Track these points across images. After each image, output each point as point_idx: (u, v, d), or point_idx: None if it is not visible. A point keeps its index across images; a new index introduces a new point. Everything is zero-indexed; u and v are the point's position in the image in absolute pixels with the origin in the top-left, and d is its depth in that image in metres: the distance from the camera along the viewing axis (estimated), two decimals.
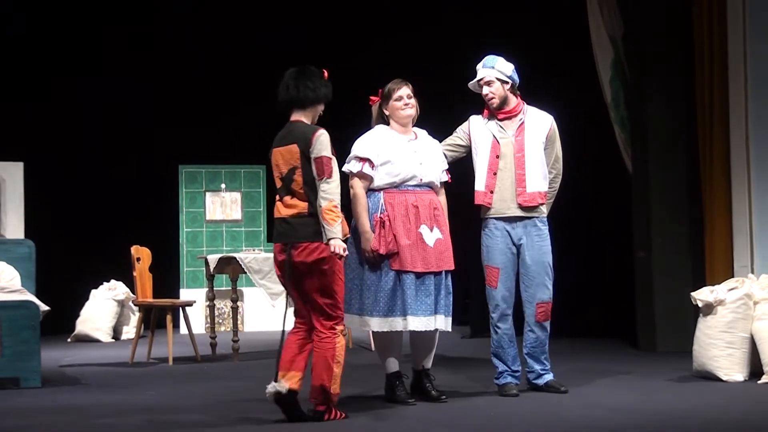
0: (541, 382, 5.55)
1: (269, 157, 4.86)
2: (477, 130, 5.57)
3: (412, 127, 5.44)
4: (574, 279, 8.80)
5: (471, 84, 5.56)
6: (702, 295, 5.99)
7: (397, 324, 5.13)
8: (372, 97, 5.42)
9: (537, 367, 5.55)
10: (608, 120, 8.12)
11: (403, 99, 5.33)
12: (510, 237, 5.46)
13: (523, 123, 5.53)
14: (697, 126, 7.55)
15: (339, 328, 4.75)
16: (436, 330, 5.25)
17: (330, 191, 4.60)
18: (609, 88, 8.02)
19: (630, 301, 8.05)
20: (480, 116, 5.61)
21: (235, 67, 10.71)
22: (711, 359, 5.90)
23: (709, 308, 5.95)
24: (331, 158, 4.67)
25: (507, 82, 5.53)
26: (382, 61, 8.46)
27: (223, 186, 10.66)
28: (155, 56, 10.61)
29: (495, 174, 5.45)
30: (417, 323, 5.12)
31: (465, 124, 5.64)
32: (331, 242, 4.57)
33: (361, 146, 5.31)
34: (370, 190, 5.27)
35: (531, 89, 8.14)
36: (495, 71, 5.51)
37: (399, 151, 5.28)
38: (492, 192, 5.44)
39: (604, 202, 8.82)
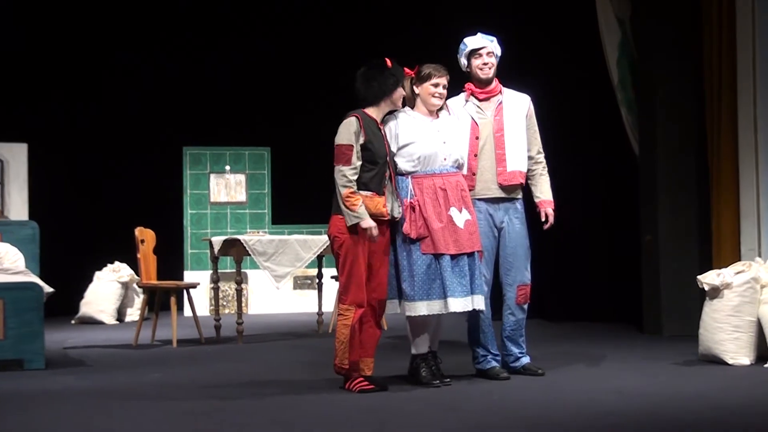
0: (518, 365, 5.61)
1: None
2: (456, 112, 5.57)
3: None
4: (579, 262, 8.85)
5: (466, 52, 5.56)
6: (708, 279, 5.98)
7: (436, 306, 5.18)
8: (407, 69, 5.39)
9: (515, 350, 5.61)
10: (615, 102, 8.10)
11: (439, 88, 5.35)
12: (492, 220, 5.53)
13: (501, 103, 5.59)
14: (706, 107, 7.53)
15: (344, 307, 5.11)
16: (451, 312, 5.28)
17: (338, 180, 5.02)
18: (616, 69, 8.01)
19: (636, 285, 8.05)
20: (455, 99, 5.62)
21: (240, 47, 10.70)
22: (717, 343, 5.90)
23: (715, 292, 5.95)
24: (345, 145, 5.02)
25: (497, 59, 5.61)
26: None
27: (227, 168, 10.70)
28: (159, 36, 10.59)
29: (476, 155, 5.50)
30: (457, 304, 5.17)
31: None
32: (361, 224, 5.01)
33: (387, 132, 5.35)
34: (398, 175, 5.31)
35: (535, 70, 8.18)
36: (494, 45, 5.59)
37: (422, 132, 5.32)
38: (474, 174, 5.49)
39: (610, 184, 8.81)
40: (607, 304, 8.71)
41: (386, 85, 5.14)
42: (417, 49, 6.43)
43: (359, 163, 5.05)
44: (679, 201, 7.69)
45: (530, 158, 5.66)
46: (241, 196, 10.82)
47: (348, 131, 5.05)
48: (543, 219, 5.64)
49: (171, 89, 10.60)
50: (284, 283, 7.80)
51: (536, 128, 5.69)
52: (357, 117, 5.10)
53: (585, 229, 8.84)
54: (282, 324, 9.17)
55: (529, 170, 5.65)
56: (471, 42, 5.59)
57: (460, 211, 5.27)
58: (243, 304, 8.72)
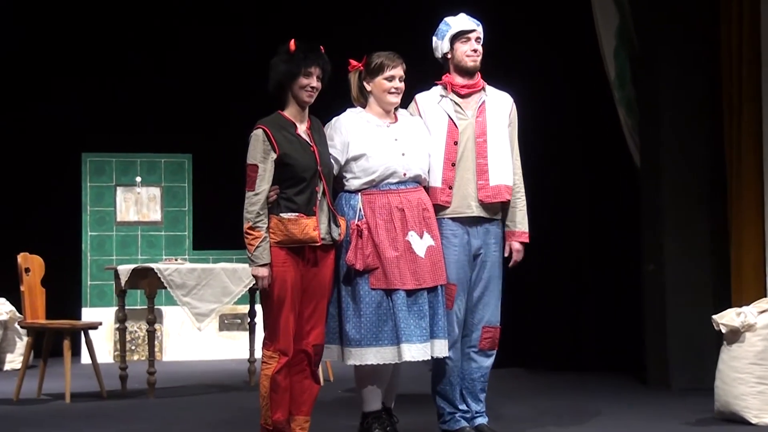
0: (471, 425, 5.57)
1: None
2: (428, 111, 5.55)
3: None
4: (568, 299, 8.85)
5: (450, 35, 5.53)
6: (726, 319, 6.01)
7: (388, 354, 5.15)
8: (352, 61, 5.38)
9: (473, 406, 5.57)
10: (611, 101, 8.14)
11: (395, 80, 5.33)
12: (470, 247, 5.50)
13: (484, 102, 5.58)
14: (722, 107, 7.58)
15: (268, 353, 5.17)
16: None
17: (246, 208, 5.05)
18: (613, 61, 8.07)
19: (637, 326, 8.06)
20: (427, 94, 5.60)
21: (156, 31, 10.68)
22: (737, 398, 5.92)
23: (735, 335, 5.97)
24: (249, 165, 5.07)
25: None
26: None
27: (138, 179, 10.64)
28: (55, 17, 10.49)
29: (454, 165, 5.47)
30: (413, 352, 5.13)
31: (411, 105, 5.60)
32: (251, 270, 5.09)
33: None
34: (346, 192, 5.32)
35: (513, 63, 8.17)
36: (481, 29, 5.59)
37: (377, 141, 5.29)
38: (451, 188, 5.46)
39: (604, 202, 8.84)
40: (602, 351, 8.71)
41: (277, 74, 5.14)
42: (372, 37, 6.39)
43: (266, 186, 5.05)
44: (689, 222, 7.72)
45: None
46: (155, 214, 10.77)
47: (253, 147, 5.08)
48: (507, 254, 5.62)
49: (67, 81, 10.50)
50: (208, 323, 7.77)
51: (516, 141, 5.67)
52: (263, 128, 5.09)
53: (573, 258, 8.86)
54: (204, 374, 9.13)
55: None
56: (457, 23, 5.57)
57: (421, 236, 5.25)
58: (156, 349, 8.69)
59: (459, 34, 5.55)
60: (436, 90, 5.60)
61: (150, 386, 7.53)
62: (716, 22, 7.62)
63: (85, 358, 9.45)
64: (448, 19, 5.60)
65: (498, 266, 5.57)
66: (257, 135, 5.07)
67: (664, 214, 7.73)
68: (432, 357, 5.21)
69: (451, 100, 5.55)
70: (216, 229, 10.62)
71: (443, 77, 5.60)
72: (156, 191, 10.76)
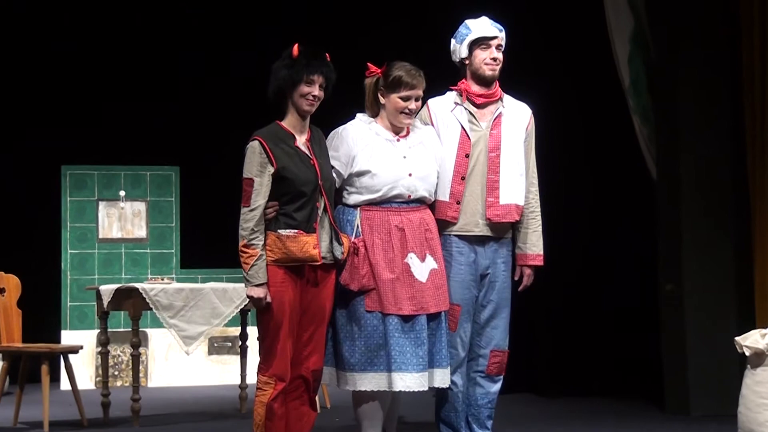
0: None
1: None
2: (441, 118, 5.51)
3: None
4: (580, 321, 8.83)
5: (469, 40, 5.48)
6: (750, 341, 5.94)
7: (381, 382, 5.15)
8: (371, 66, 5.33)
9: None
10: (625, 109, 8.14)
11: (411, 101, 5.28)
12: (476, 266, 5.48)
13: (500, 114, 5.54)
14: (744, 116, 7.58)
15: (263, 379, 5.12)
16: None
17: (241, 225, 5.02)
18: (627, 68, 8.09)
19: (655, 349, 8.04)
20: (441, 100, 5.56)
21: (141, 34, 10.70)
22: (762, 425, 5.84)
23: (759, 358, 5.89)
24: (245, 179, 5.03)
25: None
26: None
27: (122, 193, 10.62)
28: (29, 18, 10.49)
29: (463, 179, 5.45)
30: (407, 381, 5.12)
31: (423, 111, 5.53)
32: (246, 291, 5.05)
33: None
34: (344, 206, 5.32)
35: (524, 71, 8.15)
36: (503, 36, 5.55)
37: (384, 158, 5.25)
38: (459, 203, 5.45)
39: (619, 217, 8.86)
40: (617, 375, 8.73)
41: (277, 79, 5.10)
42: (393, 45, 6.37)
43: (262, 201, 5.02)
44: (710, 238, 7.72)
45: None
46: (139, 230, 10.74)
47: (249, 160, 5.05)
48: (516, 278, 5.61)
49: (45, 87, 10.49)
50: (196, 347, 7.72)
51: (533, 155, 5.64)
52: (259, 140, 5.06)
53: (587, 277, 8.85)
54: (193, 401, 9.13)
55: None
56: (478, 27, 5.51)
57: (423, 259, 5.23)
58: (141, 375, 8.66)
59: (479, 40, 5.50)
60: (451, 96, 5.56)
61: (134, 414, 7.49)
62: (737, 24, 7.63)
63: (65, 384, 9.44)
64: (469, 23, 5.54)
65: (507, 288, 5.56)
66: (253, 147, 5.04)
67: (682, 229, 7.73)
68: (431, 387, 5.20)
69: (465, 108, 5.51)
70: (205, 246, 10.64)
71: (459, 83, 5.56)
72: (141, 206, 10.73)
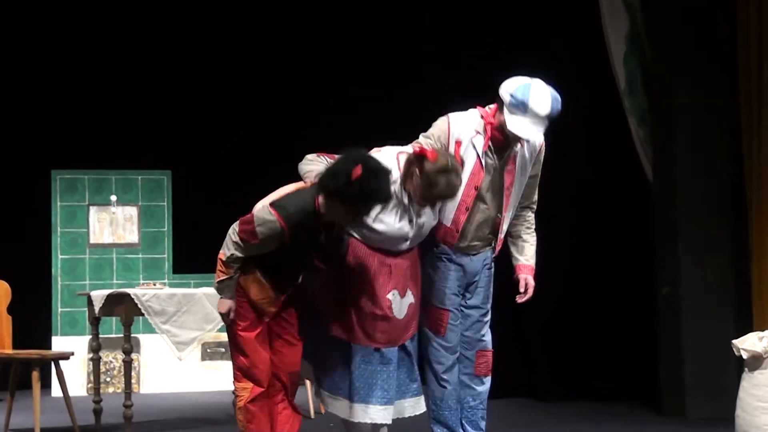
0: None
1: None
2: (460, 138, 5.36)
3: None
4: (577, 325, 8.82)
5: (515, 110, 5.24)
6: (748, 344, 5.95)
7: (343, 409, 5.18)
8: (424, 149, 5.11)
9: None
10: (621, 110, 8.15)
11: (436, 206, 5.23)
12: (464, 273, 5.49)
13: (516, 152, 5.44)
14: (741, 117, 7.60)
15: (240, 385, 5.22)
16: None
17: (230, 238, 4.98)
18: (623, 68, 8.10)
19: (651, 353, 8.07)
20: (463, 119, 5.39)
21: (128, 42, 10.69)
22: (760, 429, 5.86)
23: (757, 361, 5.91)
24: (254, 229, 4.91)
25: None
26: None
27: (113, 198, 10.60)
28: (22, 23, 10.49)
29: (467, 209, 5.41)
30: (372, 414, 5.14)
31: (441, 124, 5.37)
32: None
33: None
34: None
35: (515, 70, 8.13)
36: (552, 117, 5.34)
37: (395, 220, 5.17)
38: (458, 231, 5.44)
39: (615, 220, 8.85)
40: (614, 378, 8.73)
41: (340, 197, 4.84)
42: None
43: (255, 252, 4.97)
44: (707, 241, 7.73)
45: (521, 207, 5.58)
46: (131, 235, 10.74)
47: (264, 225, 4.88)
48: (522, 289, 5.56)
49: (35, 92, 10.47)
50: (189, 352, 7.69)
51: (538, 180, 5.61)
52: (284, 227, 4.87)
53: (583, 281, 8.86)
54: (185, 407, 9.14)
55: (512, 223, 5.58)
56: (535, 106, 5.24)
57: (403, 295, 5.22)
58: (133, 381, 8.67)
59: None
60: (473, 119, 5.38)
61: (126, 421, 7.43)
62: (733, 24, 7.64)
63: (56, 390, 9.43)
64: (532, 95, 5.24)
65: (489, 289, 5.59)
66: (274, 227, 4.88)
67: (679, 231, 7.75)
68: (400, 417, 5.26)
69: (484, 141, 5.36)
70: (197, 251, 10.51)
71: (488, 114, 5.36)
72: (132, 211, 10.72)
